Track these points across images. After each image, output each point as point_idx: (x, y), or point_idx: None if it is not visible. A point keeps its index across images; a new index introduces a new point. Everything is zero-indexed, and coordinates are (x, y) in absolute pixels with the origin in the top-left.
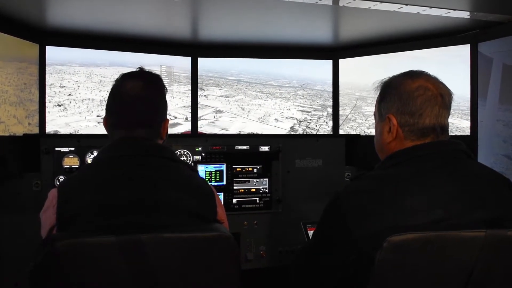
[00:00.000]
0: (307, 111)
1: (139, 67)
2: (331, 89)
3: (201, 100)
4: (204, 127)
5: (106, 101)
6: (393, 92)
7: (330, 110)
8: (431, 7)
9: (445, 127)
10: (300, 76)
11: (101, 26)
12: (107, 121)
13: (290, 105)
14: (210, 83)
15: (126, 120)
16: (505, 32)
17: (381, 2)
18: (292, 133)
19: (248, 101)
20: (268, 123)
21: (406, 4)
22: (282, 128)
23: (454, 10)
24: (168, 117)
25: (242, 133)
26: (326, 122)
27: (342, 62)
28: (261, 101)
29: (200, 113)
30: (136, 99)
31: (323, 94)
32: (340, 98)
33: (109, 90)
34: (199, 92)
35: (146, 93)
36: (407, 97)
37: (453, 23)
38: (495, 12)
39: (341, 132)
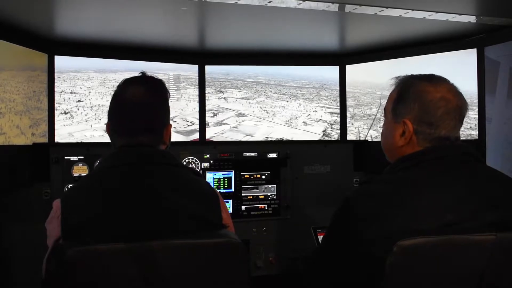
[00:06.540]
0: (335, 113)
1: (141, 72)
2: (353, 90)
3: (221, 103)
4: (226, 133)
5: (109, 107)
6: (413, 98)
7: (356, 110)
8: (437, 12)
9: (458, 138)
10: (318, 76)
11: (108, 36)
12: (109, 127)
13: (316, 106)
14: (228, 85)
15: (127, 127)
16: (511, 36)
17: (387, 7)
18: (326, 138)
19: (270, 103)
20: (297, 127)
21: (412, 10)
22: (313, 132)
23: (460, 14)
24: (185, 123)
25: (251, 140)
26: (362, 125)
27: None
28: (283, 102)
29: (221, 117)
30: (137, 105)
31: (348, 96)
32: (363, 97)
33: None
34: (219, 95)
35: (147, 99)
36: (428, 107)
37: (459, 27)
38: (501, 16)
39: (373, 133)
